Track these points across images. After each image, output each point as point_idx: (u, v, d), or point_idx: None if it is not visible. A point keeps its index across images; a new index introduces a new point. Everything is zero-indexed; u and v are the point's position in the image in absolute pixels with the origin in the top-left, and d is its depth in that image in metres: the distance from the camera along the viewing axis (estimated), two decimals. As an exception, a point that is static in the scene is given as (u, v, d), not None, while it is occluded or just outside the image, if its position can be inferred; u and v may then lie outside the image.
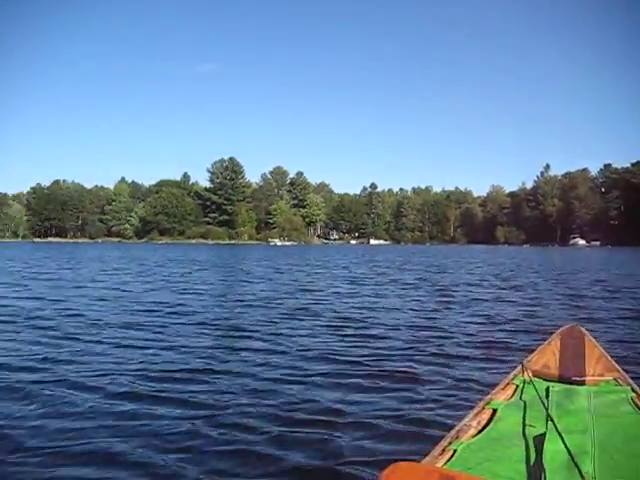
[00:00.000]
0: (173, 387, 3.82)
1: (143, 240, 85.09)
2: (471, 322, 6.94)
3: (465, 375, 4.20)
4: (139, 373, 4.18)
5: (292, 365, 4.51)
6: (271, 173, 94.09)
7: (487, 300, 9.47)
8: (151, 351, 5.04)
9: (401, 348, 5.23)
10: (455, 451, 1.62)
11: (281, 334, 5.97)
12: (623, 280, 14.09)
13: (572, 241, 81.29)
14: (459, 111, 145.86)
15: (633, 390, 2.22)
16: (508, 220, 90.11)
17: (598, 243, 77.63)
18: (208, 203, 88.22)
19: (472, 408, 2.10)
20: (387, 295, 10.39)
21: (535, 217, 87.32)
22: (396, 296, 10.19)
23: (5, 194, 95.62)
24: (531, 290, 11.44)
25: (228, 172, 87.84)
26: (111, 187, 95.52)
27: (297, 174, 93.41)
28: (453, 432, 1.81)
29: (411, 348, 5.21)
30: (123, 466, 2.56)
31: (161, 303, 8.70)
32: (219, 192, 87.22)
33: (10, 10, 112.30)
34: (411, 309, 8.26)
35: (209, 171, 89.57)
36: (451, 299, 9.61)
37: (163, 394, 3.62)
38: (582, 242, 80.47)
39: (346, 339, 5.73)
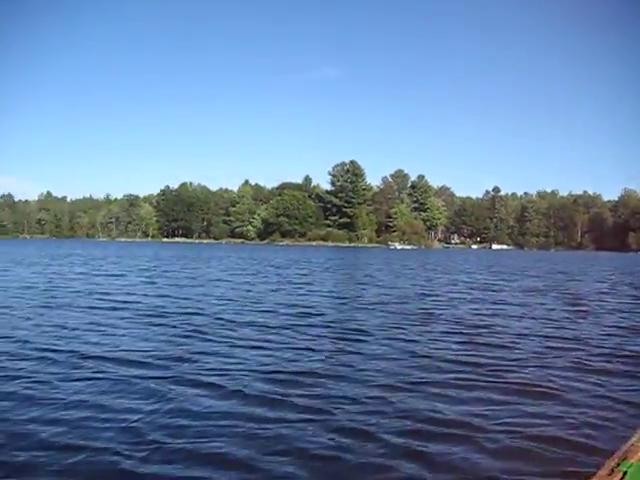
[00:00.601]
0: (285, 390, 4.41)
1: (265, 241, 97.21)
2: (610, 333, 7.42)
3: (610, 391, 4.43)
4: (255, 373, 4.90)
5: (409, 372, 5.06)
6: (392, 176, 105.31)
7: (624, 311, 10.04)
8: (269, 352, 5.87)
9: (534, 358, 5.71)
10: (625, 473, 1.74)
11: (401, 339, 6.76)
12: None
13: None
14: (588, 111, 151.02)
15: None
16: None
17: None
18: (329, 206, 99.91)
19: (637, 428, 2.34)
20: (512, 302, 11.34)
21: None
22: (522, 304, 11.12)
23: (137, 196, 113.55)
24: None
25: (349, 175, 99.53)
26: (235, 189, 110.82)
27: (418, 177, 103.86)
28: (620, 452, 1.94)
29: (545, 358, 5.67)
30: (234, 467, 3.00)
31: (282, 304, 10.10)
32: (340, 195, 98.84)
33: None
34: (540, 318, 8.89)
35: (330, 174, 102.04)
36: (583, 308, 10.38)
37: (274, 395, 4.26)
38: None
39: (470, 346, 6.34)
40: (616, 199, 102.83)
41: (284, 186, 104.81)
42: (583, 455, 3.06)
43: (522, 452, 3.20)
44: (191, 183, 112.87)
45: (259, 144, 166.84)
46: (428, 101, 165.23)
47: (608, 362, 5.56)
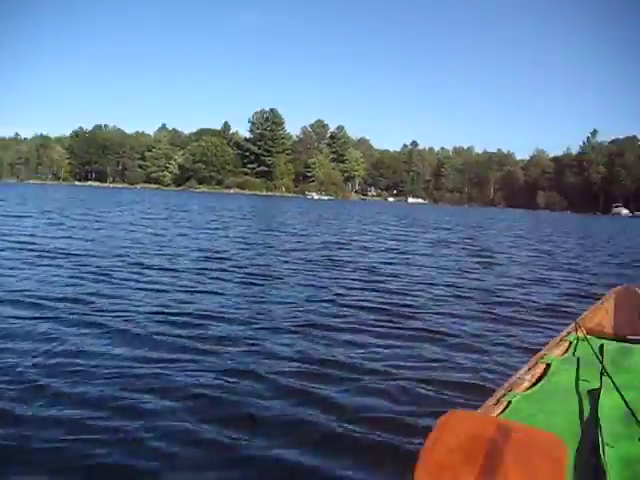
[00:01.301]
0: (179, 331, 4.90)
1: (181, 188, 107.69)
2: (514, 284, 8.82)
3: (510, 337, 5.25)
4: (150, 315, 5.39)
5: (311, 317, 5.72)
6: (311, 126, 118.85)
7: (528, 263, 11.97)
8: (170, 294, 6.51)
9: (438, 306, 6.66)
10: (510, 402, 2.10)
11: (308, 285, 7.73)
12: None
13: (615, 210, 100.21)
14: (506, 72, 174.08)
15: None
16: (550, 185, 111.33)
17: None
18: (247, 153, 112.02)
19: (525, 363, 2.70)
20: (422, 253, 13.33)
21: (578, 184, 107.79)
22: (431, 254, 13.15)
23: (48, 136, 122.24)
24: (576, 254, 15.06)
25: (269, 123, 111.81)
26: (151, 134, 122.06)
27: (338, 128, 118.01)
28: (507, 384, 2.34)
29: (449, 306, 6.64)
30: (108, 406, 3.26)
31: (192, 249, 11.41)
32: (259, 143, 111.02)
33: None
34: (448, 268, 10.46)
35: (249, 121, 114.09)
36: (490, 260, 12.24)
37: (165, 337, 4.68)
38: (625, 212, 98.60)
39: (376, 293, 7.32)
40: (527, 158, 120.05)
41: (202, 132, 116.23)
42: (476, 395, 3.43)
43: (414, 393, 3.70)
44: (106, 125, 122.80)
45: (177, 88, 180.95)
46: (349, 52, 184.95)
47: (511, 311, 6.61)
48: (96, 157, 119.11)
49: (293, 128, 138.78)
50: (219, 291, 7.05)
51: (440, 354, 4.68)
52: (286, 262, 10.33)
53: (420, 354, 4.65)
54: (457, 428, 1.66)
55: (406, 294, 7.51)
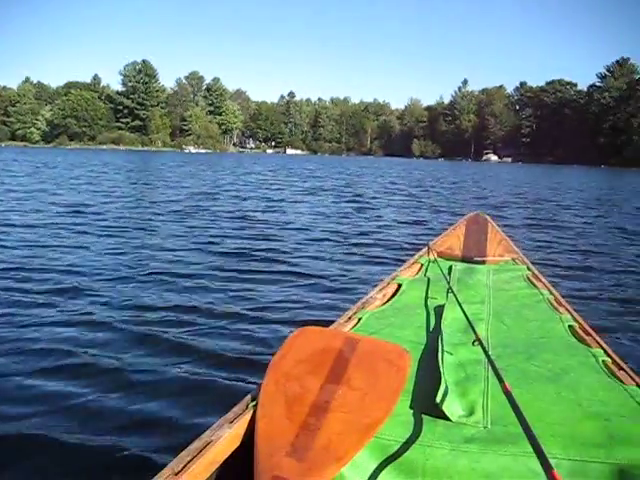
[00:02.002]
0: (31, 286, 5.42)
1: (51, 145, 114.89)
2: (384, 225, 10.63)
3: (379, 270, 6.34)
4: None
5: (166, 266, 6.49)
6: (186, 78, 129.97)
7: (402, 207, 14.47)
8: (22, 251, 7.11)
9: (305, 248, 7.91)
10: (360, 319, 2.52)
11: (177, 235, 8.77)
12: (531, 189, 25.18)
13: (485, 156, 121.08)
14: (380, 20, 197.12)
15: (529, 269, 3.61)
16: (424, 134, 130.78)
17: (510, 159, 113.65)
18: (120, 107, 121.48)
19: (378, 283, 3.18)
20: (296, 200, 15.62)
21: (451, 132, 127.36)
22: (305, 201, 15.46)
23: None
24: (444, 196, 19.01)
25: (141, 76, 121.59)
26: (14, 87, 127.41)
27: (213, 80, 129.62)
28: (359, 303, 2.79)
29: (316, 248, 7.90)
30: None
31: (55, 204, 12.51)
32: (132, 96, 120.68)
33: None
34: (323, 214, 12.12)
35: (121, 74, 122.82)
36: (364, 205, 14.68)
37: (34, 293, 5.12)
38: (494, 158, 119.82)
39: (244, 240, 8.38)
40: (403, 108, 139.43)
41: (70, 85, 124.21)
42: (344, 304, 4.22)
43: (269, 332, 4.32)
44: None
45: (40, 38, 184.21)
46: (223, 1, 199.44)
47: (379, 250, 7.92)
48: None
49: (167, 81, 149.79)
50: (77, 245, 7.72)
51: (305, 294, 5.44)
52: (157, 214, 11.52)
53: (286, 295, 5.40)
54: (306, 342, 2.02)
55: (277, 240, 8.70)
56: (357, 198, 17.45)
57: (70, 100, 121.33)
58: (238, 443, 1.61)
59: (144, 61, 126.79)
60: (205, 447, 1.51)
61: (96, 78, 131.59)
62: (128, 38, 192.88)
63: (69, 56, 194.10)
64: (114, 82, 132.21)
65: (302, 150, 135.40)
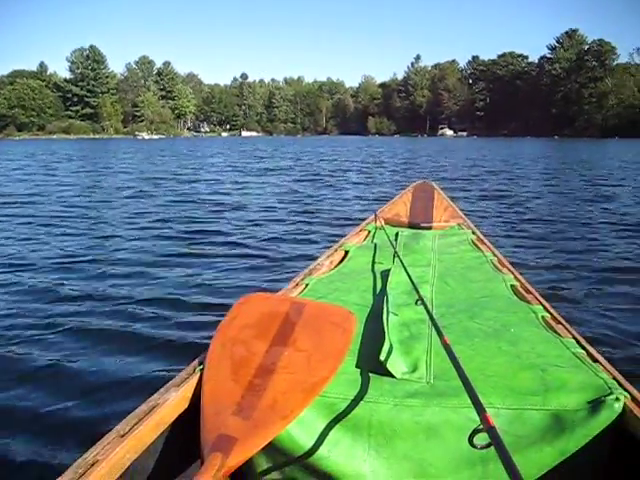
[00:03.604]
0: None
1: None
2: (349, 200, 11.43)
3: (324, 226, 7.69)
4: None
5: (135, 249, 6.75)
6: (136, 63, 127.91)
7: (365, 183, 15.46)
8: None
9: (266, 229, 8.21)
10: (307, 285, 2.59)
11: (133, 223, 8.86)
12: (481, 159, 27.90)
13: (440, 131, 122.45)
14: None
15: (474, 233, 3.75)
16: (379, 111, 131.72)
17: (465, 134, 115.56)
18: (69, 95, 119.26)
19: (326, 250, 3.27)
20: (256, 182, 16.18)
21: (405, 108, 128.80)
22: (266, 182, 16.10)
23: None
24: (400, 169, 20.67)
25: (89, 62, 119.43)
26: None
27: (164, 64, 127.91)
28: (306, 270, 2.88)
29: (277, 229, 8.19)
30: None
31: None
32: (80, 83, 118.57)
33: None
34: (284, 192, 12.96)
35: (68, 60, 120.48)
36: (326, 183, 15.43)
37: None
38: (450, 132, 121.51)
39: (197, 223, 8.73)
40: (357, 86, 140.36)
41: (16, 74, 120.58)
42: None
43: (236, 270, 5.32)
44: None
45: None
46: None
47: (334, 220, 8.88)
48: None
49: (117, 66, 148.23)
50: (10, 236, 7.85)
51: (256, 267, 5.83)
52: (104, 201, 11.96)
53: (236, 268, 5.76)
54: (252, 308, 2.06)
55: (228, 219, 9.14)
56: (316, 177, 18.01)
57: (16, 89, 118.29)
58: (185, 406, 1.65)
59: (92, 47, 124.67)
60: (152, 410, 1.54)
61: (42, 66, 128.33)
62: (74, 24, 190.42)
63: (13, 44, 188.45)
64: (62, 69, 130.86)
65: (257, 132, 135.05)
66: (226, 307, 3.12)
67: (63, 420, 2.73)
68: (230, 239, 7.39)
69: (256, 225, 8.58)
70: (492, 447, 0.99)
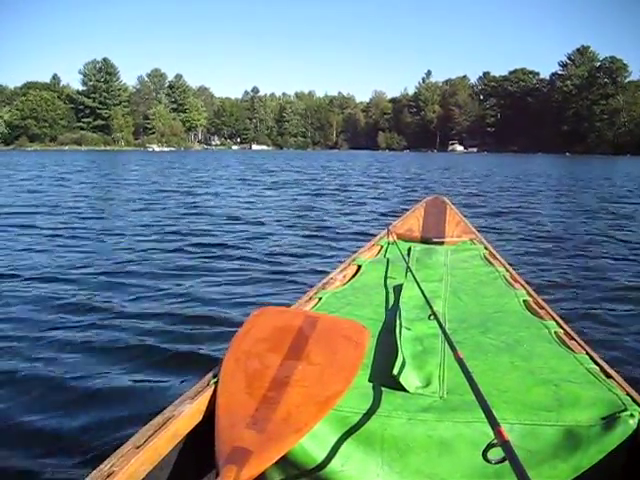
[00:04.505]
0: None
1: (11, 147, 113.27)
2: (343, 213, 11.84)
3: (337, 241, 8.00)
4: None
5: (143, 259, 6.89)
6: (148, 76, 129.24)
7: (385, 198, 15.44)
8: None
9: (267, 238, 8.59)
10: (321, 299, 2.62)
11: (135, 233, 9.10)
12: (491, 175, 28.03)
13: (451, 147, 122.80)
14: (342, 14, 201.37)
15: (486, 248, 3.81)
16: (390, 126, 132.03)
17: (475, 149, 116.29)
18: (81, 107, 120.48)
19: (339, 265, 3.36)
20: (265, 195, 16.57)
21: (416, 123, 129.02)
22: (275, 195, 16.50)
23: None
24: (412, 184, 20.94)
25: (102, 74, 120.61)
26: None
27: (176, 77, 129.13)
28: (320, 284, 2.90)
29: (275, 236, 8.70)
30: None
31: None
32: (92, 95, 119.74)
33: None
34: (291, 206, 13.11)
35: (81, 73, 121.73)
36: (341, 197, 15.68)
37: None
38: (460, 148, 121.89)
39: (210, 237, 8.77)
40: (368, 101, 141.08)
41: (29, 85, 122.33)
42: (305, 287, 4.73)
43: (251, 285, 5.56)
44: None
45: None
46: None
47: (345, 236, 8.93)
48: None
49: (129, 79, 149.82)
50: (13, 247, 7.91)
51: (269, 280, 5.85)
52: (123, 212, 12.16)
53: (250, 280, 5.89)
54: (266, 321, 2.08)
55: (244, 231, 9.42)
56: (323, 190, 18.22)
57: (29, 101, 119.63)
58: (200, 418, 1.66)
59: (104, 59, 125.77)
60: (167, 422, 1.55)
61: (55, 78, 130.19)
62: (87, 37, 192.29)
63: (27, 56, 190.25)
64: (74, 81, 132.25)
65: (268, 145, 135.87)
66: (240, 320, 3.19)
67: (79, 433, 2.75)
68: (242, 252, 7.44)
69: (268, 238, 8.67)
70: (506, 462, 0.99)
